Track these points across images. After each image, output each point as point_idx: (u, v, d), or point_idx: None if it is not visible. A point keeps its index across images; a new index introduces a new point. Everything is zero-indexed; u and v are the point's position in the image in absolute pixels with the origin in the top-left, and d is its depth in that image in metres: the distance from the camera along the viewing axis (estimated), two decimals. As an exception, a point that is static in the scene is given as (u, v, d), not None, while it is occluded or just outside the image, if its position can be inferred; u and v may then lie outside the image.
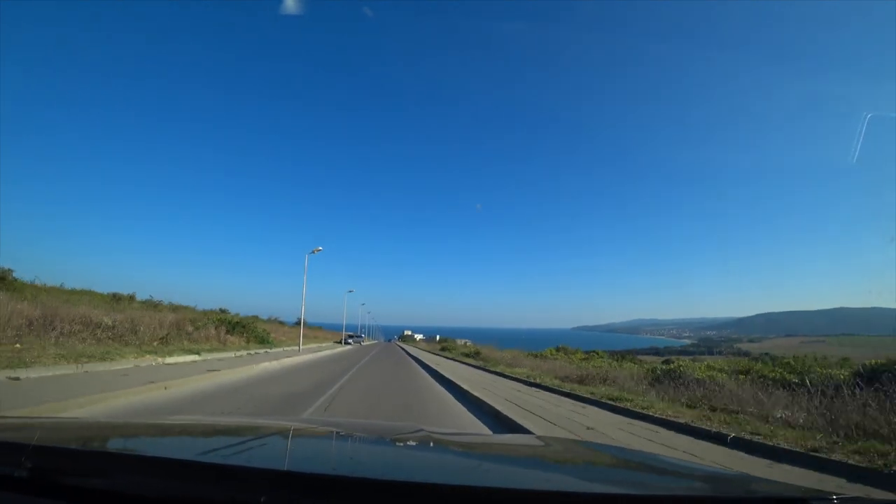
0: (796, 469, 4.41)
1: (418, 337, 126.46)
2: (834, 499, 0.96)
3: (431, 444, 1.75)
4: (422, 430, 2.02)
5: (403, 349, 47.85)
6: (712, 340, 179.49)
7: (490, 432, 6.61)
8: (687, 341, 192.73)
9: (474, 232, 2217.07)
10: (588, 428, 6.35)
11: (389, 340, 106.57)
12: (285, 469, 1.03)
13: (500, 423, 7.18)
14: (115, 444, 1.44)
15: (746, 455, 4.96)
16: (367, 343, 70.50)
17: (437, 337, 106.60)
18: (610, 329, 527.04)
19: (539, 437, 2.50)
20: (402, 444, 1.77)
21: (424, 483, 0.96)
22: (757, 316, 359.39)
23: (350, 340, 53.66)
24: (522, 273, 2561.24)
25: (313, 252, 28.84)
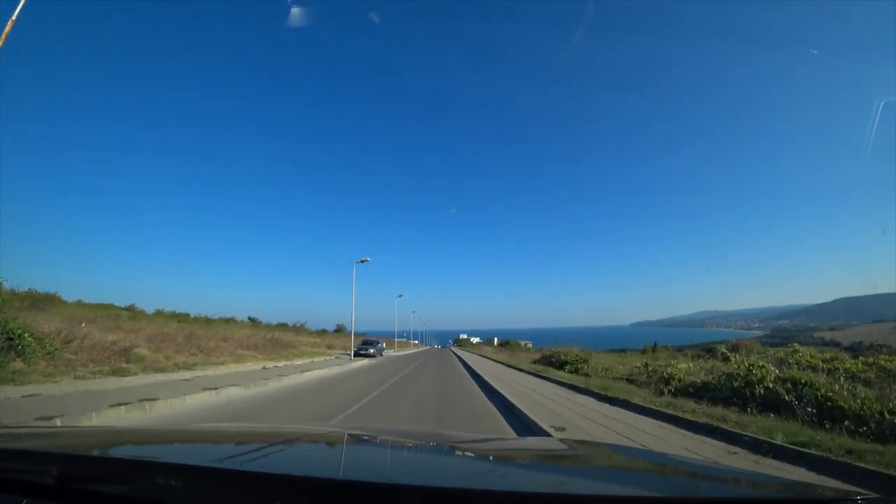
0: None
1: (475, 340, 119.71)
2: (858, 500, 0.97)
3: (449, 448, 1.73)
4: (440, 434, 2.02)
5: (465, 363, 28.10)
6: (786, 330, 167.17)
7: (515, 435, 6.46)
8: (758, 332, 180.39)
9: (522, 233, 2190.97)
10: None
11: (444, 346, 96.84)
12: (300, 475, 1.03)
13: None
14: (135, 451, 1.48)
15: None
16: (398, 353, 46.45)
17: (496, 340, 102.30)
18: (672, 323, 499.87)
19: (562, 440, 2.44)
20: (418, 448, 1.78)
21: (438, 487, 0.97)
22: (835, 301, 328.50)
23: (372, 349, 33.78)
24: (574, 270, 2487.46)
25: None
